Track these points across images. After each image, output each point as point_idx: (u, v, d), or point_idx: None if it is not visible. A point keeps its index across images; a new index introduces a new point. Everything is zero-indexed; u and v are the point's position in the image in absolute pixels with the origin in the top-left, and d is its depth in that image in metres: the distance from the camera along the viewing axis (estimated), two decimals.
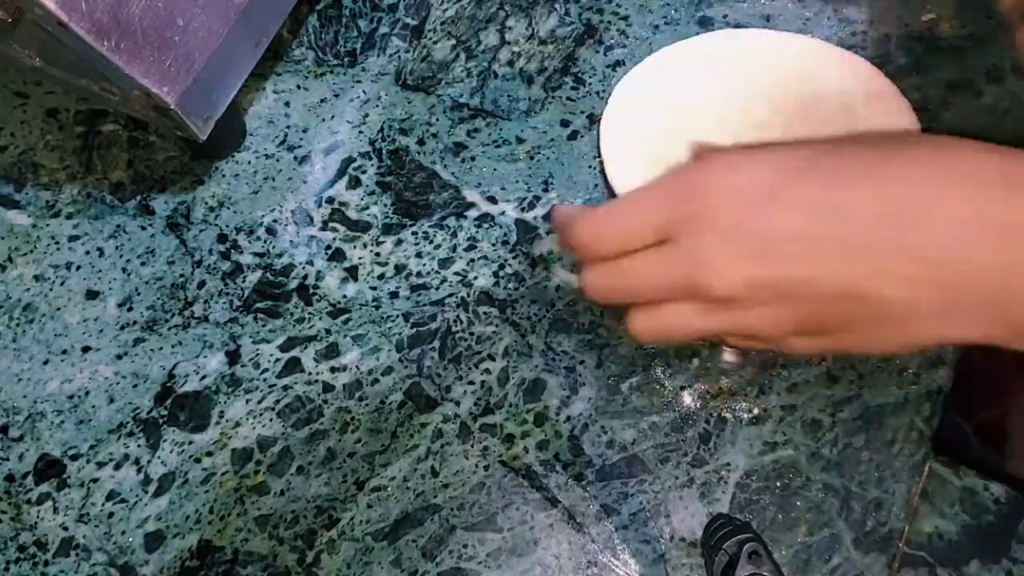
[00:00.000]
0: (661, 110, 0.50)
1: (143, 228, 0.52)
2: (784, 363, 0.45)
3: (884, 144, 0.28)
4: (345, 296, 0.49)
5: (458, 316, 0.48)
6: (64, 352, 0.49)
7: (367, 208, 0.51)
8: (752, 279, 0.27)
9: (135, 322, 0.50)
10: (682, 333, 0.30)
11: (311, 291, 0.50)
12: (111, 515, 0.45)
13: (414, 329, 0.48)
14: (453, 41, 0.55)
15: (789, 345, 0.30)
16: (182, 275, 0.51)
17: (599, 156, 0.51)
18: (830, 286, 0.27)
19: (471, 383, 0.47)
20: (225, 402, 0.47)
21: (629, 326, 0.31)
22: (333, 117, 0.54)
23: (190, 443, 0.47)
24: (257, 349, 0.48)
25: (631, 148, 0.50)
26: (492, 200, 0.51)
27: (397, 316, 0.49)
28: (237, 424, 0.47)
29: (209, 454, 0.46)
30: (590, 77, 0.53)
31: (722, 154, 0.29)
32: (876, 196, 0.26)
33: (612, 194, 0.49)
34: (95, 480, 0.46)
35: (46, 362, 0.49)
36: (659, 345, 0.35)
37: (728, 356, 0.43)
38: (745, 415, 0.45)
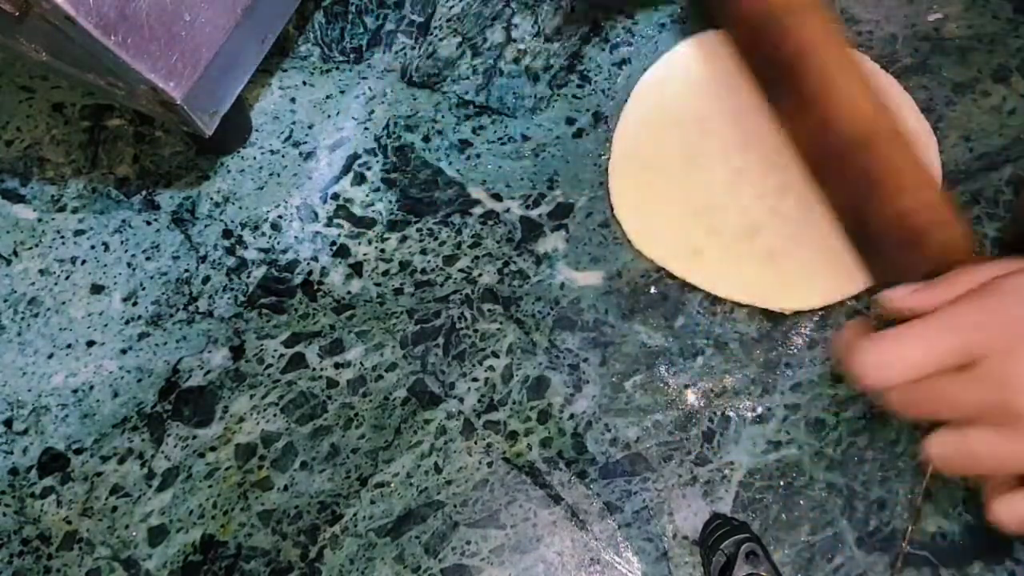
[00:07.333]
0: (674, 128, 0.50)
1: (148, 223, 0.52)
2: (788, 362, 0.45)
3: None
4: (350, 292, 0.50)
5: (462, 313, 0.48)
6: (69, 346, 0.49)
7: (372, 204, 0.51)
8: None
9: (140, 317, 0.50)
10: (989, 463, 0.28)
11: (316, 287, 0.50)
12: (115, 509, 0.46)
13: (418, 326, 0.48)
14: (459, 38, 0.55)
15: None
16: (187, 270, 0.51)
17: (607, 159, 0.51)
18: None
19: (475, 380, 0.47)
20: (229, 397, 0.47)
21: (931, 448, 0.30)
22: (339, 113, 0.54)
23: (194, 438, 0.47)
24: (261, 344, 0.49)
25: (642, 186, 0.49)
26: (497, 197, 0.51)
27: (401, 312, 0.49)
28: (241, 419, 0.47)
29: (213, 449, 0.46)
30: (596, 75, 0.53)
31: (1016, 275, 0.28)
32: None
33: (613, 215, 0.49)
34: (99, 474, 0.46)
35: (51, 356, 0.49)
36: (964, 475, 0.33)
37: None
38: (749, 414, 0.45)
